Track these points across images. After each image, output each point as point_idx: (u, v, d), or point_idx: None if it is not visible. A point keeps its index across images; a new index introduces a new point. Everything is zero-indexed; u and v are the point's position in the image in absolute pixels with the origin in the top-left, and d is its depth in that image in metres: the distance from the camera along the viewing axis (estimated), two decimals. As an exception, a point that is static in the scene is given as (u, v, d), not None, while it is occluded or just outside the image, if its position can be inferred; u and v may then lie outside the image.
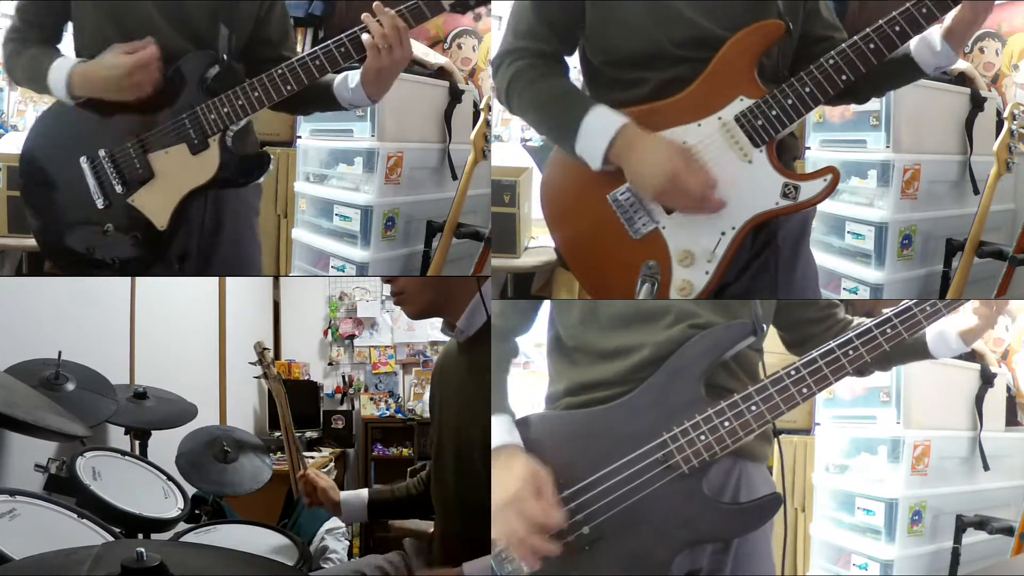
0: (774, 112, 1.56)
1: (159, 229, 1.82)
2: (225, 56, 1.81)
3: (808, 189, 1.57)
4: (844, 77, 1.55)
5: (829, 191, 1.57)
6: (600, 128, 1.56)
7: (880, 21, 1.56)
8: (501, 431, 1.42)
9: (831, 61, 1.56)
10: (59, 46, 1.92)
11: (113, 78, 1.76)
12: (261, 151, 1.90)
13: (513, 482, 1.36)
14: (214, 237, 1.89)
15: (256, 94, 1.78)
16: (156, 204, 1.82)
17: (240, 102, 1.79)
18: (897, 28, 1.54)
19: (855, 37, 1.56)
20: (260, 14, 1.90)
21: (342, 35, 1.78)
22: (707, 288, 1.58)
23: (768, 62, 1.61)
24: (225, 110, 1.79)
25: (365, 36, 1.75)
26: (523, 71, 1.65)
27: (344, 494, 2.00)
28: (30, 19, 1.89)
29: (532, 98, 1.64)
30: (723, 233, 1.58)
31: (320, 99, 1.89)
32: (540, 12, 1.65)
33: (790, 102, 1.56)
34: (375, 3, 1.74)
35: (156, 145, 1.81)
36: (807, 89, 1.56)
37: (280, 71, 1.78)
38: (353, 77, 1.83)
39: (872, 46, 1.55)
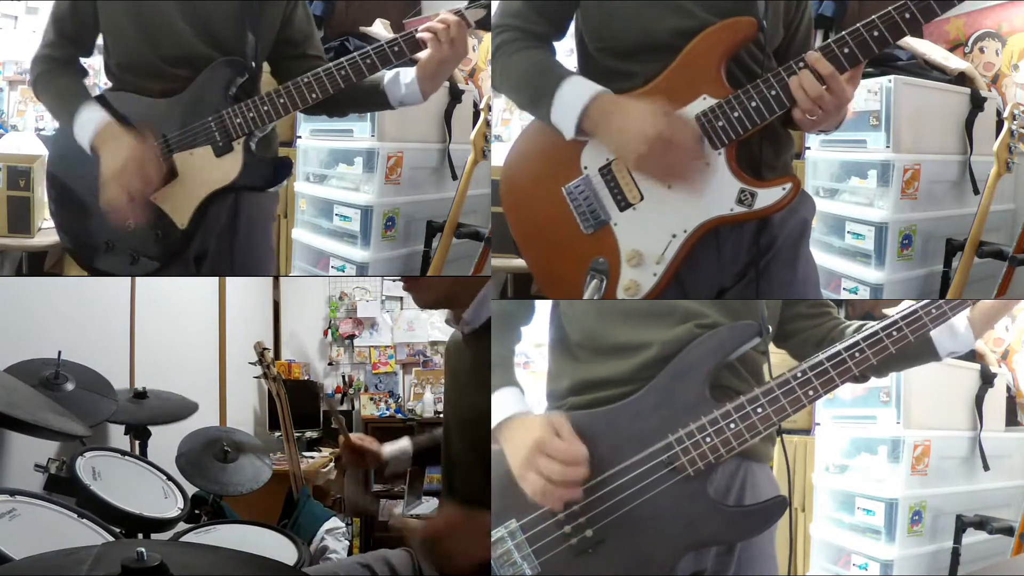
0: (736, 114, 1.50)
1: (179, 228, 1.84)
2: (253, 63, 1.85)
3: (765, 197, 1.51)
4: None
5: (787, 200, 1.51)
6: (575, 96, 1.54)
7: (858, 24, 1.49)
8: (509, 401, 1.41)
9: (800, 64, 1.48)
10: (89, 61, 1.96)
11: (112, 168, 1.78)
12: (282, 156, 1.93)
13: (530, 433, 1.35)
14: (231, 240, 1.91)
15: (282, 101, 1.82)
16: (178, 203, 1.84)
17: (265, 108, 1.82)
18: (876, 33, 1.47)
19: (829, 39, 1.50)
20: (285, 15, 1.92)
21: (396, 36, 1.80)
22: (654, 290, 1.54)
23: (751, 62, 1.57)
24: (251, 115, 1.82)
25: (424, 34, 1.77)
26: (506, 44, 1.64)
27: (388, 450, 1.96)
28: (66, 32, 1.92)
29: (511, 68, 1.63)
30: (673, 236, 1.54)
31: (365, 99, 1.90)
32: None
33: (754, 104, 1.50)
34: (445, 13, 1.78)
35: (182, 145, 1.83)
36: (772, 92, 1.49)
37: (306, 79, 1.81)
38: (407, 73, 1.85)
39: (847, 51, 1.48)
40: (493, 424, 1.42)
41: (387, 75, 1.86)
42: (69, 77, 1.92)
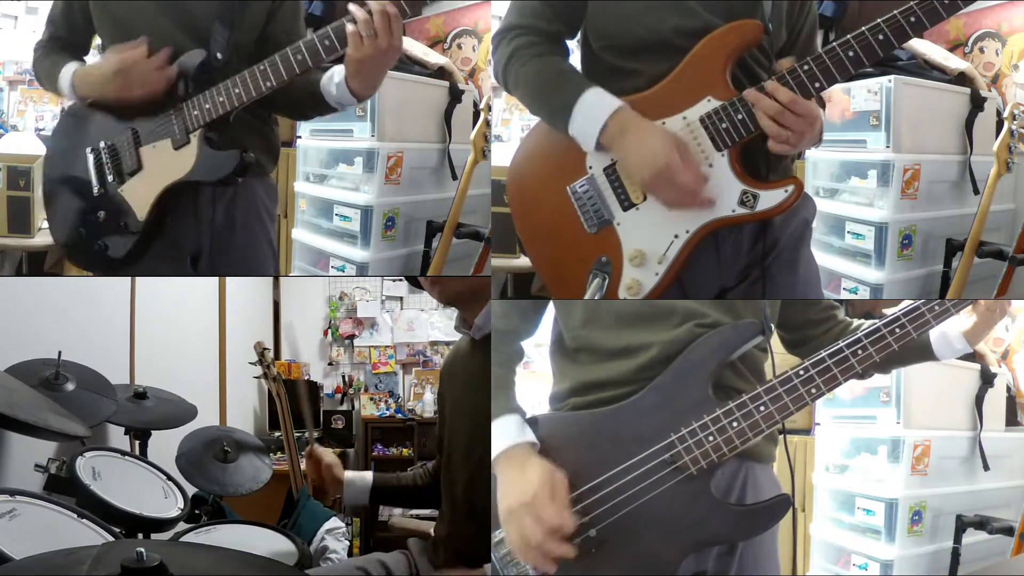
0: (740, 116, 1.50)
1: (139, 220, 1.85)
2: (220, 55, 1.80)
3: (767, 199, 1.51)
4: (817, 85, 1.48)
5: (790, 203, 1.51)
6: (595, 110, 1.53)
7: (863, 28, 1.48)
8: (510, 430, 1.40)
9: (805, 67, 1.48)
10: (86, 58, 1.98)
11: (103, 78, 1.83)
12: (237, 150, 1.80)
13: (529, 484, 1.34)
14: (227, 238, 1.89)
15: (236, 90, 1.76)
16: (140, 196, 1.85)
17: (220, 98, 1.77)
18: (880, 37, 1.47)
19: (834, 43, 1.49)
20: (270, 13, 1.89)
21: (327, 26, 1.70)
22: (655, 290, 1.54)
23: (754, 64, 1.57)
24: (207, 106, 1.78)
25: (349, 25, 1.65)
26: (523, 48, 1.62)
27: (348, 474, 1.98)
28: (59, 34, 1.96)
29: (529, 76, 1.61)
30: (676, 236, 1.54)
31: (309, 100, 1.82)
32: None
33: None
34: None
35: (147, 139, 1.84)
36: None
37: (261, 67, 1.74)
38: (339, 72, 1.75)
39: (851, 54, 1.47)
40: (493, 453, 1.41)
41: (324, 75, 1.78)
42: (63, 54, 1.94)
